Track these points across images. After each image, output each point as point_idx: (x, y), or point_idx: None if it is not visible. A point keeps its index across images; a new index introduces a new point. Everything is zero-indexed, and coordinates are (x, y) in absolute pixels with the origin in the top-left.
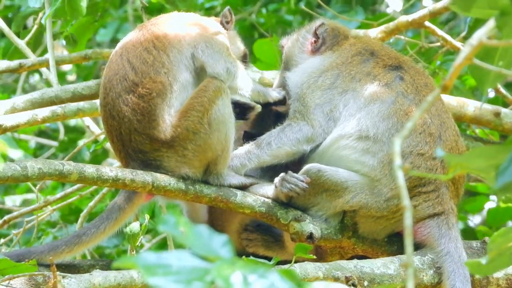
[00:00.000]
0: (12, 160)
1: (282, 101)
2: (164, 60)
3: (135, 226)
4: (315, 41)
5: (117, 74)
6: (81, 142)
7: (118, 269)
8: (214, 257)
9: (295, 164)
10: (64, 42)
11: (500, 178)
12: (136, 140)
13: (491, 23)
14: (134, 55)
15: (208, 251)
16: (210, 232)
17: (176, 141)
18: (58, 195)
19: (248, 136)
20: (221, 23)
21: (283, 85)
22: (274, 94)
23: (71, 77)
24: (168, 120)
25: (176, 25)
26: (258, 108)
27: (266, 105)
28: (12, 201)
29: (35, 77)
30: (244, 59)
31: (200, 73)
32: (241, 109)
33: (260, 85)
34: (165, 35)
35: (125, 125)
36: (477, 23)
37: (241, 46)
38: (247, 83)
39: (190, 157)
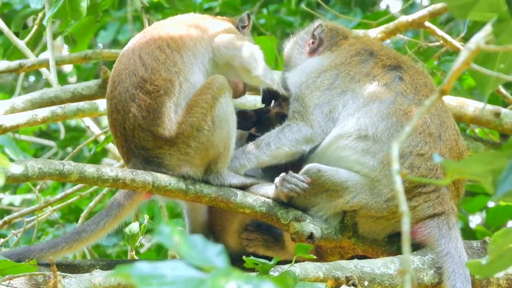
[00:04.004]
0: (12, 160)
1: (286, 99)
2: (177, 60)
3: (134, 227)
4: (312, 42)
5: (127, 69)
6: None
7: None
8: (209, 267)
9: (295, 164)
10: (64, 43)
11: (500, 187)
12: (139, 136)
13: (488, 28)
14: (146, 51)
15: (202, 261)
16: (204, 242)
17: (180, 138)
18: (58, 196)
19: (253, 139)
20: (237, 27)
21: (284, 87)
22: (283, 91)
23: (72, 79)
24: (174, 118)
25: (192, 27)
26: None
27: (272, 109)
28: (11, 200)
29: (34, 77)
30: None
31: (213, 79)
32: (243, 118)
33: (275, 74)
34: (180, 37)
35: (130, 120)
36: (476, 24)
37: None
38: (265, 69)
39: (193, 155)
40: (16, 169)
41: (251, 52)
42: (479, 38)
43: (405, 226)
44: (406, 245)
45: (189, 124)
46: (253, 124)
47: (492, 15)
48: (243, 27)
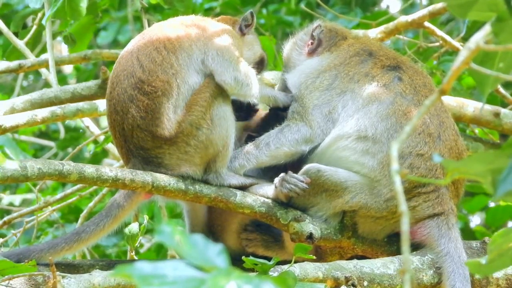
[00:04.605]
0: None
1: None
2: (173, 62)
3: (134, 227)
4: (311, 43)
5: (125, 70)
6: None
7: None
8: (210, 267)
9: (295, 164)
10: (64, 42)
11: (501, 187)
12: (138, 137)
13: (487, 28)
14: (144, 53)
15: (203, 261)
16: (205, 242)
17: (179, 137)
18: (58, 196)
19: (252, 140)
20: (241, 26)
21: (283, 87)
22: (285, 99)
23: (71, 81)
24: (173, 118)
25: (190, 29)
26: (258, 107)
27: (271, 110)
28: (11, 200)
29: (35, 77)
30: (260, 63)
31: (212, 78)
32: (242, 110)
33: (271, 90)
34: (177, 38)
35: (128, 121)
36: (475, 24)
37: (258, 51)
38: (256, 90)
39: (192, 153)
40: (11, 165)
41: (235, 74)
42: (478, 38)
43: (405, 226)
44: (405, 245)
45: (189, 122)
46: (248, 114)
47: (491, 14)
48: (247, 26)
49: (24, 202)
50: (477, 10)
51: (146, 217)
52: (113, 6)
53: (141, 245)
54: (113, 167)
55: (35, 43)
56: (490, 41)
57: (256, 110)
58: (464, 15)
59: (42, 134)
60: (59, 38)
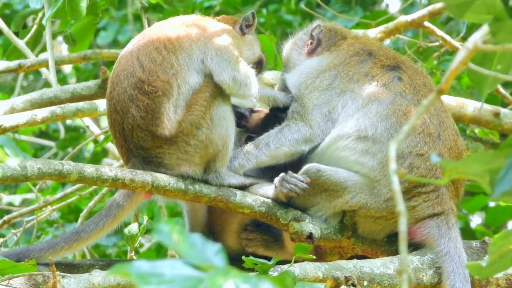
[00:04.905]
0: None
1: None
2: (173, 62)
3: (133, 227)
4: (311, 43)
5: (125, 70)
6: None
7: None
8: (208, 266)
9: (295, 164)
10: (64, 42)
11: (498, 186)
12: (138, 136)
13: (486, 28)
14: (144, 53)
15: (201, 260)
16: (203, 241)
17: (179, 136)
18: (58, 195)
19: (251, 140)
20: (241, 26)
21: (283, 87)
22: (285, 99)
23: (71, 81)
24: (173, 117)
25: (190, 28)
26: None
27: (271, 110)
28: (10, 200)
29: (35, 77)
30: (259, 64)
31: (212, 78)
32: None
33: (270, 90)
34: (177, 38)
35: (128, 121)
36: (475, 24)
37: (257, 52)
38: (255, 90)
39: (192, 153)
40: (12, 163)
41: (234, 74)
42: (476, 38)
43: (402, 226)
44: (403, 245)
45: (189, 122)
46: (242, 116)
47: (488, 16)
48: (247, 26)
49: (24, 202)
50: (474, 11)
51: (145, 217)
52: (113, 5)
53: (141, 245)
54: (113, 167)
55: (35, 43)
56: (488, 41)
57: (244, 116)
58: (461, 15)
59: (42, 134)
60: (59, 38)
